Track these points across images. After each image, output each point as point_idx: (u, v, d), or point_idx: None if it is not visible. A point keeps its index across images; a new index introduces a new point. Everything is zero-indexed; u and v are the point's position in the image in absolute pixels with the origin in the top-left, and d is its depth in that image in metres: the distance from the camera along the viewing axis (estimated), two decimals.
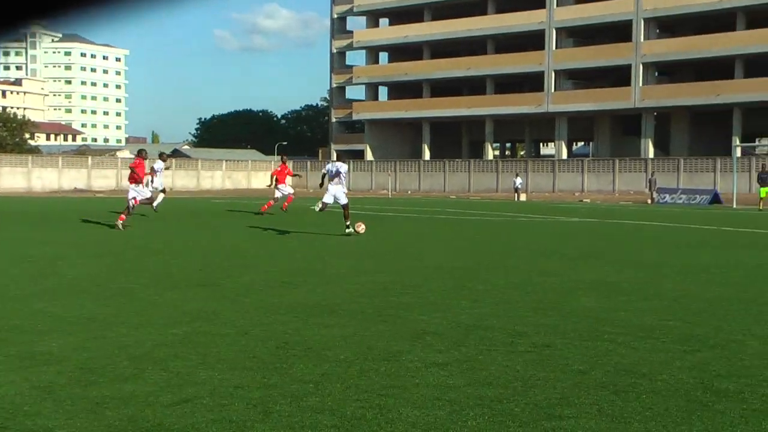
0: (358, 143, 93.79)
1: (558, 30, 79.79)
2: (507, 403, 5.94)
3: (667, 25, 77.98)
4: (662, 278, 13.51)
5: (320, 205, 22.07)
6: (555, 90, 79.96)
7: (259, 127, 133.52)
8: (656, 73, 77.66)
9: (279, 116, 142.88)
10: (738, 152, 59.20)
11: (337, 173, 21.94)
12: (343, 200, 22.03)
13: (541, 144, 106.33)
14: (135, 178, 24.67)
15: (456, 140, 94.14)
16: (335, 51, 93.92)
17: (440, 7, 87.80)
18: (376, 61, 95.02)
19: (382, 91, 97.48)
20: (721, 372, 7.02)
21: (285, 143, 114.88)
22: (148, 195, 26.27)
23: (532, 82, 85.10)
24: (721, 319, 9.62)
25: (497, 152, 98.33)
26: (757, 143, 75.52)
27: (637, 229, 27.00)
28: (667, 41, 75.64)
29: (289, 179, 36.05)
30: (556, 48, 79.89)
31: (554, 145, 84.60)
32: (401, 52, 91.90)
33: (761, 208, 44.43)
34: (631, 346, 8.03)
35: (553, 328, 8.91)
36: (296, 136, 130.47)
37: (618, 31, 77.77)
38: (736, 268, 15.00)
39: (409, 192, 78.43)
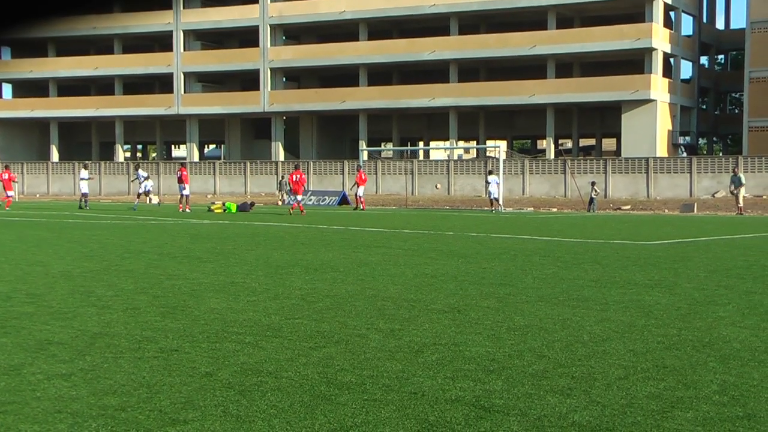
0: None
1: (186, 32, 79.49)
2: (131, 411, 5.83)
3: (293, 33, 79.94)
4: (291, 277, 13.81)
5: None
6: (185, 92, 79.62)
7: None
8: (284, 79, 79.34)
9: None
10: (365, 156, 61.72)
11: None
12: None
13: (173, 146, 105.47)
14: None
15: (86, 141, 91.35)
16: None
17: (60, 4, 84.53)
18: None
19: (6, 89, 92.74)
20: (344, 366, 7.28)
21: None
22: None
23: (162, 84, 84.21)
24: (346, 315, 9.98)
25: (128, 154, 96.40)
26: (382, 147, 79.14)
27: (265, 229, 27.42)
28: (293, 48, 77.53)
29: None
30: (185, 50, 79.60)
31: (186, 147, 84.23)
32: (25, 47, 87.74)
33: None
34: (258, 346, 8.14)
35: (181, 332, 8.86)
36: None
37: (246, 36, 78.71)
38: (361, 266, 15.61)
39: (38, 195, 75.16)
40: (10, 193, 44.55)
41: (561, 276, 14.06)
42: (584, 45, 65.64)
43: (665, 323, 9.50)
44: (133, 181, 46.11)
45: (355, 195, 47.68)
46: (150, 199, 44.28)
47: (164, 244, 21.12)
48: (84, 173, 45.36)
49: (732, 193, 44.77)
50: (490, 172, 48.52)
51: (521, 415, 5.78)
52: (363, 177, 47.87)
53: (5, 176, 45.15)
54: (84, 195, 44.22)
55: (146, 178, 46.18)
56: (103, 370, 7.10)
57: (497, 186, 46.24)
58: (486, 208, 46.75)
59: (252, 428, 5.46)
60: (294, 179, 41.28)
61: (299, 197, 40.85)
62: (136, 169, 47.05)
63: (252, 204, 45.61)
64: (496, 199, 46.16)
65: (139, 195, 45.04)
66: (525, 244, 21.74)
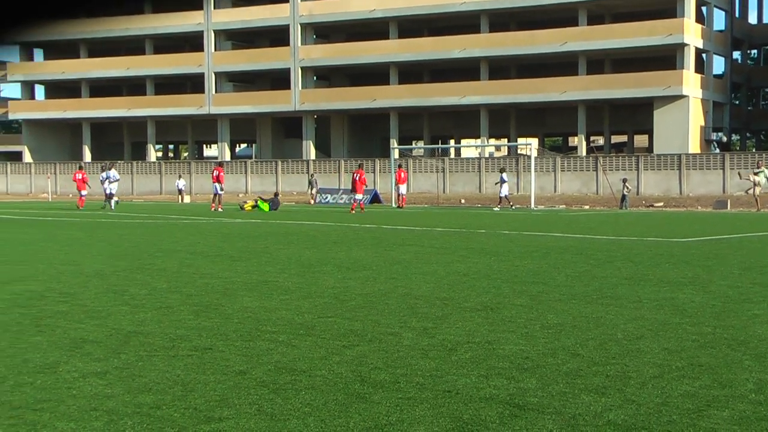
0: (15, 144, 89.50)
1: (216, 32, 79.80)
2: (166, 409, 5.85)
3: (323, 32, 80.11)
4: (323, 276, 13.82)
5: None
6: (216, 92, 79.92)
7: None
8: (315, 77, 79.48)
9: None
10: (396, 154, 61.78)
11: None
12: None
13: (204, 145, 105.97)
14: None
15: (118, 141, 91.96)
16: None
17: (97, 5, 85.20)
18: (31, 58, 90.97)
19: (39, 90, 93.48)
20: (378, 364, 7.26)
21: None
22: None
23: (193, 84, 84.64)
24: (379, 314, 9.96)
25: (160, 153, 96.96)
26: (413, 146, 79.16)
27: (297, 228, 27.48)
28: (323, 47, 77.69)
29: None
30: (215, 50, 79.89)
31: (217, 147, 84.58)
32: (57, 49, 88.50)
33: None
34: (291, 344, 8.14)
35: (214, 330, 8.88)
36: None
37: (276, 35, 78.93)
38: (393, 264, 15.60)
39: (71, 195, 75.72)
40: (83, 192, 44.90)
41: (594, 274, 14.00)
42: (615, 41, 65.30)
43: (699, 321, 9.43)
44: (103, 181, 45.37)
45: (397, 193, 47.98)
46: (111, 203, 43.14)
47: (196, 243, 21.21)
48: (114, 173, 45.30)
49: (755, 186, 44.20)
50: (503, 170, 48.54)
51: (556, 413, 5.76)
52: (403, 176, 48.16)
53: (79, 176, 45.45)
54: (110, 195, 44.12)
55: (112, 180, 44.70)
56: (137, 369, 7.13)
57: (506, 184, 46.48)
58: (496, 208, 46.68)
59: (286, 426, 5.46)
60: (355, 178, 41.64)
61: (358, 196, 41.26)
62: (108, 169, 46.05)
63: (276, 194, 45.71)
64: (506, 197, 46.25)
65: (107, 196, 44.32)
66: (557, 241, 21.66)
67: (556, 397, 6.15)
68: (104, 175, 44.65)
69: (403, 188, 47.77)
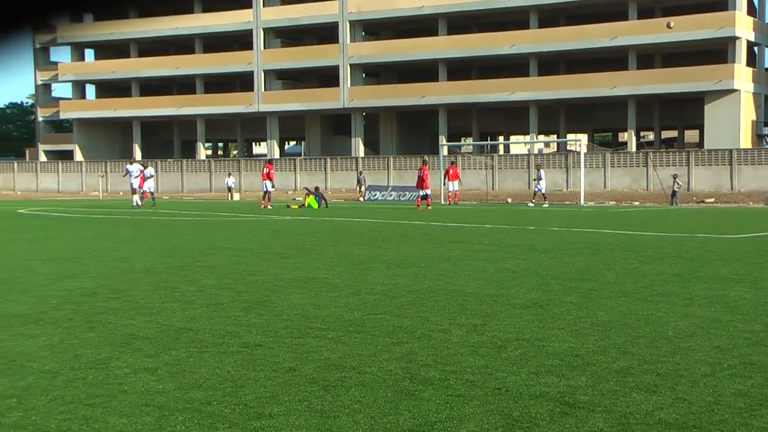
0: (67, 143, 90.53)
1: (265, 30, 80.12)
2: (216, 405, 5.90)
3: (372, 29, 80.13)
4: (372, 273, 13.84)
5: None
6: (265, 89, 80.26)
7: None
8: (363, 75, 79.55)
9: None
10: (445, 151, 61.68)
11: None
12: None
13: (253, 143, 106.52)
14: None
15: (168, 140, 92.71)
16: (38, 46, 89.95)
17: (146, 5, 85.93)
18: (82, 58, 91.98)
19: (90, 90, 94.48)
20: (427, 361, 7.26)
21: None
22: None
23: (242, 82, 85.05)
24: (428, 311, 9.96)
25: (210, 152, 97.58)
26: (462, 142, 78.97)
27: (346, 225, 27.54)
28: (372, 44, 77.70)
29: None
30: (264, 48, 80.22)
31: (266, 145, 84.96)
32: (108, 49, 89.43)
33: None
34: (341, 341, 8.16)
35: (264, 327, 8.93)
36: (0, 135, 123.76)
37: (325, 33, 79.08)
38: (442, 261, 15.58)
39: (121, 193, 76.49)
40: (144, 189, 45.07)
41: (644, 271, 13.88)
42: (665, 35, 64.56)
43: (751, 319, 9.32)
44: (124, 176, 44.98)
45: (450, 190, 48.00)
46: (134, 198, 41.60)
47: (245, 240, 21.32)
48: (150, 170, 45.38)
49: None
50: (539, 167, 48.33)
51: (606, 411, 5.72)
52: (455, 172, 48.19)
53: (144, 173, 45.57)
54: (151, 192, 43.87)
55: (136, 176, 43.15)
56: (188, 365, 7.19)
57: (543, 181, 46.39)
58: (531, 203, 46.52)
59: (336, 423, 5.48)
60: (420, 175, 41.87)
61: (424, 192, 41.45)
62: (131, 163, 45.02)
63: (317, 188, 45.80)
64: (543, 194, 46.10)
65: (134, 191, 42.86)
66: (607, 238, 21.51)
67: (607, 395, 6.12)
68: (128, 168, 43.90)
69: (456, 185, 47.80)
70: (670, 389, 6.29)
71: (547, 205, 44.53)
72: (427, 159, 46.09)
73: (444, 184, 48.96)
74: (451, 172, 48.05)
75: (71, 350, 7.87)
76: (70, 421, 5.57)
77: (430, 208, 40.08)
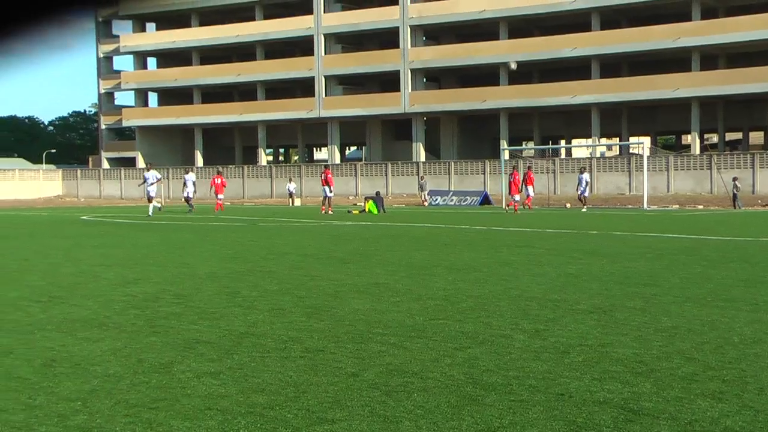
0: (129, 151, 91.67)
1: (326, 36, 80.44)
2: (279, 410, 5.92)
3: (433, 33, 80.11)
4: (434, 278, 13.81)
5: None
6: (326, 95, 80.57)
7: (24, 135, 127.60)
8: (424, 79, 79.53)
9: (46, 123, 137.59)
10: (506, 155, 61.46)
11: None
12: None
13: (314, 149, 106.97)
14: None
15: (229, 146, 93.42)
16: (102, 55, 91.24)
17: (207, 13, 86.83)
18: (145, 67, 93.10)
19: (152, 97, 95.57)
20: (489, 367, 7.22)
21: (53, 151, 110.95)
22: None
23: (303, 88, 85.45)
24: (490, 316, 9.91)
25: (271, 157, 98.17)
26: (523, 146, 78.63)
27: (407, 230, 27.53)
28: (433, 48, 77.70)
29: None
30: (325, 54, 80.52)
31: (327, 150, 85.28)
32: (170, 57, 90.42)
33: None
34: (402, 347, 8.15)
35: (326, 332, 8.94)
36: (65, 143, 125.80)
37: (385, 38, 79.18)
38: (504, 266, 15.51)
39: (182, 200, 77.22)
40: (220, 196, 45.65)
41: (708, 275, 13.70)
42: (730, 35, 63.74)
43: None
44: (140, 185, 44.15)
45: (526, 195, 47.53)
46: (150, 207, 39.34)
47: (307, 245, 21.40)
48: (191, 176, 45.63)
49: None
50: (583, 170, 47.93)
51: (671, 419, 5.64)
52: (531, 176, 48.03)
53: (218, 180, 46.09)
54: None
55: (152, 183, 41.58)
56: (250, 369, 7.23)
57: (587, 184, 46.53)
58: (575, 207, 46.43)
59: (399, 429, 5.46)
60: (511, 180, 42.83)
61: (516, 197, 42.87)
62: (147, 170, 42.98)
63: (377, 193, 45.84)
64: (583, 197, 46.00)
65: (150, 199, 40.96)
66: (670, 242, 21.27)
67: (672, 402, 6.03)
68: (145, 175, 42.08)
69: (530, 189, 47.64)
70: (737, 396, 6.19)
71: (585, 210, 44.23)
72: (516, 165, 47.06)
73: (521, 190, 47.90)
74: (525, 176, 47.68)
75: (135, 354, 7.95)
76: (134, 425, 5.62)
77: (516, 211, 41.78)
